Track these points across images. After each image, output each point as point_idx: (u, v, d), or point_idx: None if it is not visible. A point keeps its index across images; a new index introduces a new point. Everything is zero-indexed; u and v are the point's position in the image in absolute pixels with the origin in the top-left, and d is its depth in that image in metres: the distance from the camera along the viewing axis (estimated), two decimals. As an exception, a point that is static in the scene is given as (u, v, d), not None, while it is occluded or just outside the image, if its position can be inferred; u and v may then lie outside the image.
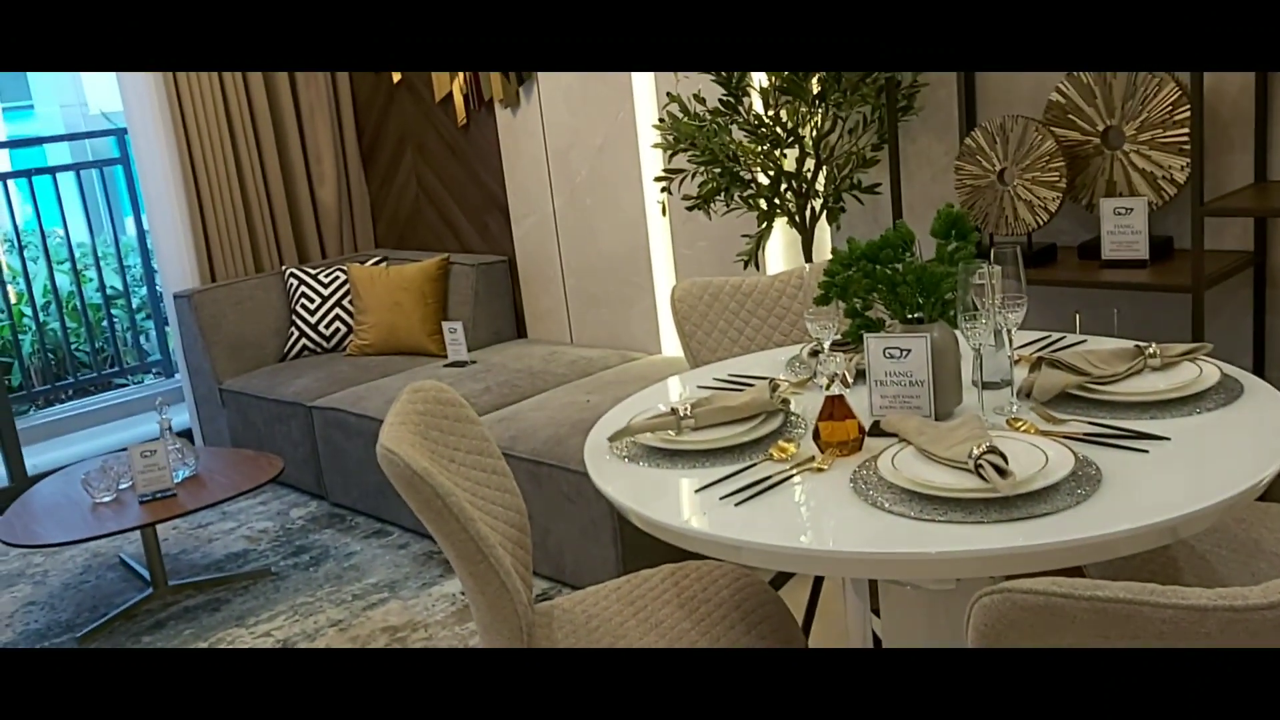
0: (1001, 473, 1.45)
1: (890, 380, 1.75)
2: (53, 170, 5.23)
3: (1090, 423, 1.70)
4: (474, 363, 3.95)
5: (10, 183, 5.23)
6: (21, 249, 5.23)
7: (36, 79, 8.36)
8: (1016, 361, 1.91)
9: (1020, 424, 1.70)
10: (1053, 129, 2.71)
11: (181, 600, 3.28)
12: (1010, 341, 1.81)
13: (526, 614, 1.68)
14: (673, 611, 1.89)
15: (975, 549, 1.37)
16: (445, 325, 4.02)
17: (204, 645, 2.99)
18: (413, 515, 3.54)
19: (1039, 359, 1.90)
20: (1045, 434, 1.65)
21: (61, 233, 5.45)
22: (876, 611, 1.94)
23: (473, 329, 4.19)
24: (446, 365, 3.97)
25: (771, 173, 2.98)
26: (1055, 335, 2.16)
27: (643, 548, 2.84)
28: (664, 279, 3.84)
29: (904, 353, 1.74)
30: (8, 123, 8.69)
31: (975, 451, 1.49)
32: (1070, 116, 2.73)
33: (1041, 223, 2.72)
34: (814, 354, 2.08)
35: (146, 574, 3.32)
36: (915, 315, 1.80)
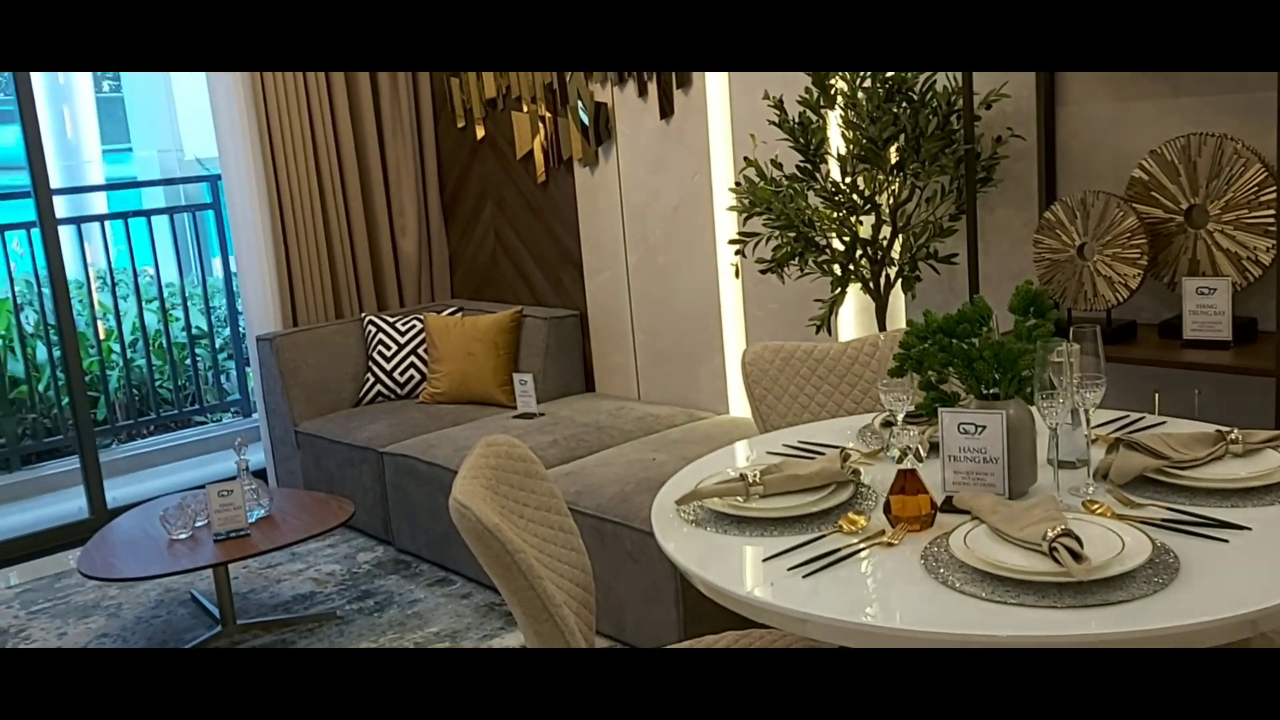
0: (1076, 557, 1.43)
1: (964, 456, 1.74)
2: (148, 213, 5.44)
3: (1168, 508, 1.67)
4: (542, 415, 3.99)
5: (107, 223, 5.45)
6: (114, 286, 5.43)
7: (137, 125, 8.71)
8: (1094, 441, 1.88)
9: (1096, 507, 1.68)
10: (1135, 205, 2.69)
11: (248, 640, 3.33)
12: (1088, 421, 1.79)
13: (589, 675, 1.68)
14: (735, 679, 1.88)
15: (1047, 635, 1.34)
16: (516, 377, 4.07)
17: (268, 685, 3.04)
18: (476, 565, 3.57)
19: (1117, 440, 1.87)
20: (1122, 518, 1.63)
21: (152, 271, 5.66)
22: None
23: (542, 381, 4.24)
24: (515, 416, 4.02)
25: (847, 239, 2.99)
26: (1134, 415, 2.13)
27: (705, 612, 2.83)
28: (734, 339, 3.85)
29: (979, 429, 1.73)
30: (106, 164, 9.05)
31: (1050, 534, 1.47)
32: (1153, 194, 2.70)
33: (1121, 299, 2.69)
34: (886, 424, 2.07)
35: (216, 612, 3.38)
36: (991, 391, 1.79)
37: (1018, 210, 3.02)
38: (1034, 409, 1.77)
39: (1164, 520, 1.62)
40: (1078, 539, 1.46)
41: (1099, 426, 2.04)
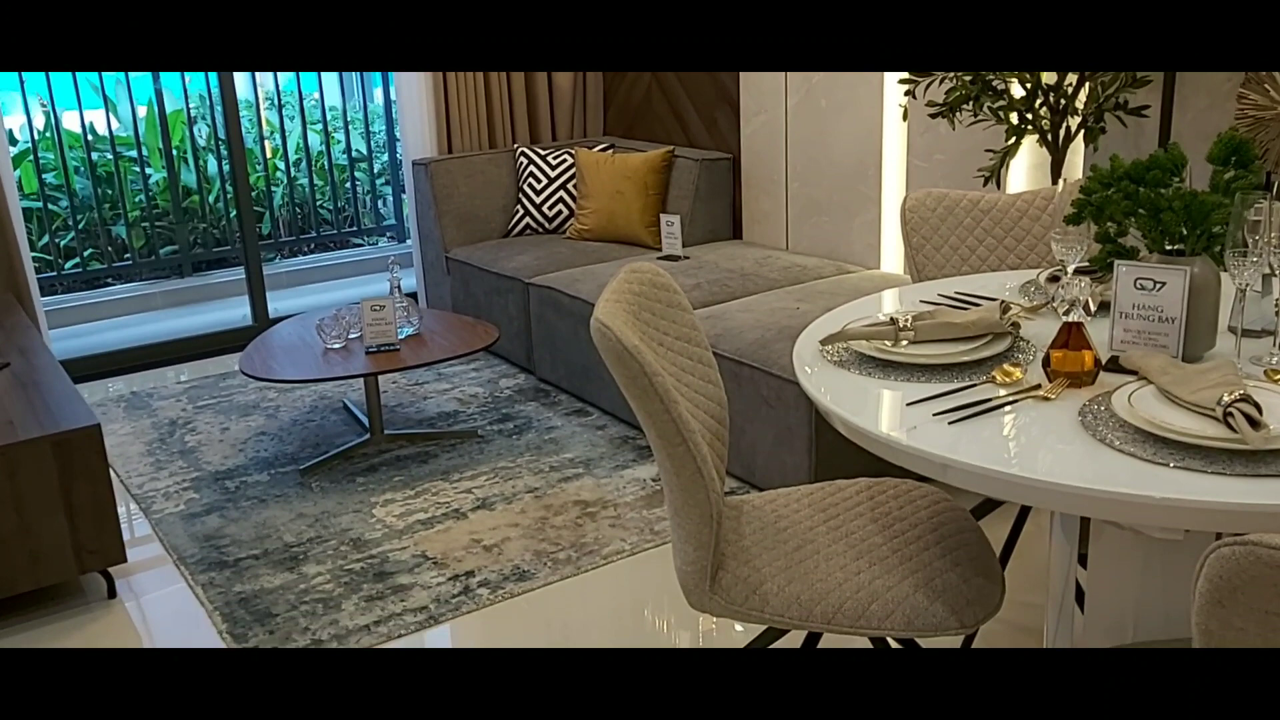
0: (1254, 424, 1.32)
1: (1137, 314, 1.62)
2: (314, 34, 5.50)
3: (1365, 386, 1.52)
4: (687, 258, 3.95)
5: (276, 43, 5.54)
6: (281, 107, 5.57)
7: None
8: (1284, 311, 1.73)
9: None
10: (1364, 60, 2.40)
11: (394, 449, 3.48)
12: (1281, 288, 1.64)
13: (718, 503, 1.68)
14: (865, 524, 1.85)
15: (1213, 500, 1.26)
16: (663, 218, 4.02)
17: (411, 493, 3.18)
18: (614, 398, 3.62)
19: (1312, 311, 1.72)
20: (1309, 391, 1.50)
21: (316, 95, 5.76)
22: (1082, 561, 1.84)
23: (689, 224, 4.18)
24: (660, 258, 3.98)
25: (1029, 84, 2.78)
26: (1333, 289, 1.94)
27: (837, 460, 2.79)
28: (893, 191, 3.69)
29: (1157, 285, 1.60)
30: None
31: (1226, 399, 1.37)
32: (1388, 47, 2.41)
33: (1333, 165, 2.44)
34: (1053, 279, 1.95)
35: (365, 420, 3.53)
36: (1176, 247, 1.65)
37: (1224, 62, 2.74)
38: (1221, 269, 1.63)
39: (1357, 398, 1.48)
40: (1257, 405, 1.35)
41: (1292, 297, 1.87)
